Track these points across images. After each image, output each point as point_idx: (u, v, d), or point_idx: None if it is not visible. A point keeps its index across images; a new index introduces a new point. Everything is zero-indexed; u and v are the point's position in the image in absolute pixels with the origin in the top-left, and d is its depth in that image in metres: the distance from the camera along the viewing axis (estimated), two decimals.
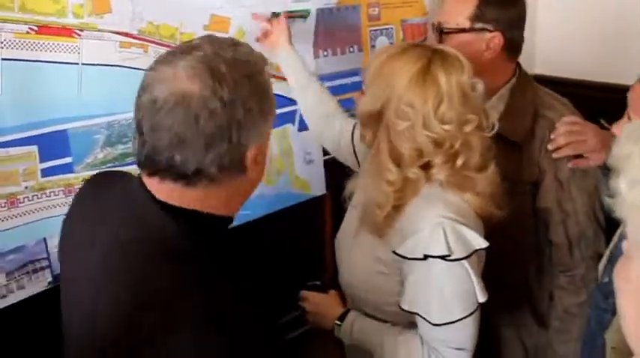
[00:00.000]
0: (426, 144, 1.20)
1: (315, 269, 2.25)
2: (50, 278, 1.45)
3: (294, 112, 1.82)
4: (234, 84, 0.91)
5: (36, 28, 1.35)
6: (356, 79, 1.94)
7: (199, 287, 0.89)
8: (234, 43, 0.97)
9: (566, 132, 1.56)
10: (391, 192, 1.24)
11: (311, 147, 1.89)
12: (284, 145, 1.82)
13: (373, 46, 1.94)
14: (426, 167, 1.23)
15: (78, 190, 1.17)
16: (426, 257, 1.20)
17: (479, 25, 1.57)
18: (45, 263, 1.44)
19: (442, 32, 1.60)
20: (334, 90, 1.84)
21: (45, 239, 1.44)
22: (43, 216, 1.42)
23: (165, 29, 1.52)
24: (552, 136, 1.57)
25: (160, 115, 0.89)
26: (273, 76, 1.71)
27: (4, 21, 1.30)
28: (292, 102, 1.78)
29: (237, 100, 0.91)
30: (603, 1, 2.30)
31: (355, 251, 1.38)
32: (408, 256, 1.23)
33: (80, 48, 1.40)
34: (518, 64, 1.67)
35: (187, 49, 0.94)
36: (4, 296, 1.39)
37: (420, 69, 1.19)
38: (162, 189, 0.95)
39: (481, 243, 1.22)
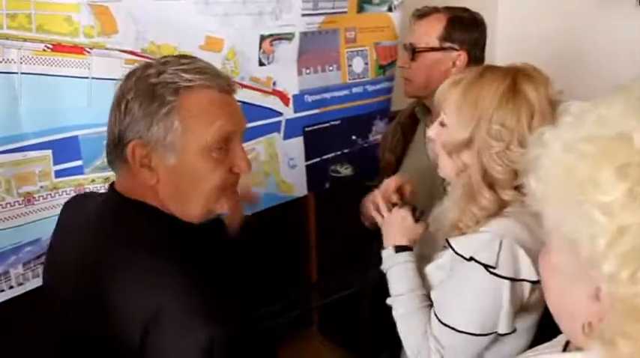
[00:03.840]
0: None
1: (300, 264, 2.31)
2: None
3: (279, 123, 1.85)
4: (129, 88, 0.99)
5: (51, 46, 1.37)
6: (335, 94, 1.96)
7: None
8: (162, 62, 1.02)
9: None
10: (483, 216, 1.16)
11: (294, 154, 1.91)
12: (270, 152, 1.85)
13: (350, 66, 1.97)
14: (517, 188, 1.12)
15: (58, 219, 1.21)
16: (471, 258, 1.12)
17: (447, 45, 1.67)
18: None
19: (415, 51, 1.68)
20: (317, 104, 1.90)
21: None
22: (56, 212, 1.38)
23: (165, 48, 1.54)
24: None
25: None
26: (261, 91, 1.77)
27: (24, 40, 1.32)
28: (278, 113, 1.83)
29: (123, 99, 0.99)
30: (554, 29, 2.40)
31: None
32: (456, 250, 1.16)
33: (90, 64, 1.42)
34: None
35: None
36: (21, 284, 1.42)
37: (508, 87, 1.12)
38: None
39: (532, 275, 1.10)
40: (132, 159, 0.99)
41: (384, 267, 1.30)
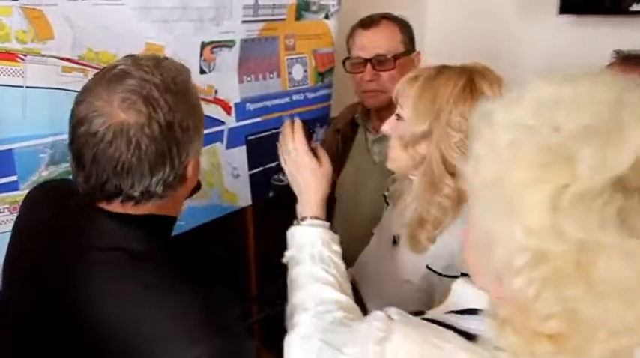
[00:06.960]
0: None
1: (239, 274, 2.26)
2: None
3: (222, 132, 1.81)
4: (169, 107, 0.91)
5: None
6: (276, 101, 1.94)
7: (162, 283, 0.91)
8: (157, 63, 0.96)
9: None
10: (449, 205, 1.17)
11: (237, 163, 1.88)
12: (213, 161, 1.80)
13: (290, 73, 1.96)
14: None
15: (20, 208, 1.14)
16: (462, 275, 1.11)
17: (410, 48, 1.75)
18: None
19: (395, 58, 1.69)
20: (258, 112, 1.88)
21: None
22: None
23: (104, 55, 1.46)
24: None
25: (102, 147, 0.88)
26: (203, 99, 1.73)
27: None
28: (221, 122, 1.79)
29: (174, 122, 0.91)
30: (477, 34, 2.47)
31: (386, 267, 1.31)
32: (443, 273, 1.18)
33: (24, 72, 1.31)
34: None
35: (116, 78, 0.91)
36: None
37: (465, 84, 1.17)
38: (112, 206, 0.96)
39: None
40: (193, 176, 1.02)
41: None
